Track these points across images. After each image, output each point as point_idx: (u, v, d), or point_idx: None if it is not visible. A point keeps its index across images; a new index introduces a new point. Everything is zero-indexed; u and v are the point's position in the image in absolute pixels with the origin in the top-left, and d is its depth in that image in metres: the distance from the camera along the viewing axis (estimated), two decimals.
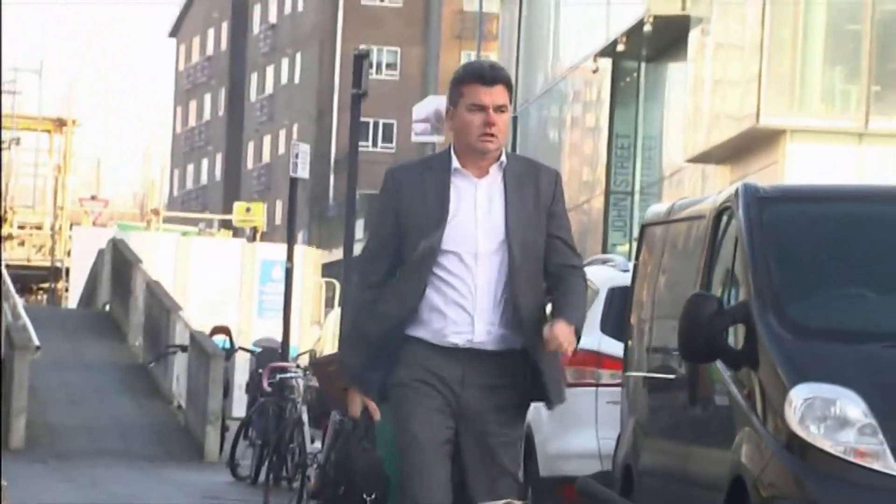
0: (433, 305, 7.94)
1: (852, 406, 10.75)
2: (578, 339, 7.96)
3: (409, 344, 7.96)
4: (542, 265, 8.03)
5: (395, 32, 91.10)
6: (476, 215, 7.93)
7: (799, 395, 10.87)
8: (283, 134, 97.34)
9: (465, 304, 7.91)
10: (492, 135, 7.90)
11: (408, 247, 7.96)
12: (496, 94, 7.91)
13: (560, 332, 7.78)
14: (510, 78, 8.07)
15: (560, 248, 8.01)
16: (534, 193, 7.98)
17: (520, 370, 7.96)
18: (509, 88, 8.08)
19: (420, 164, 8.23)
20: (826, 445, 10.74)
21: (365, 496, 7.56)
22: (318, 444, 18.37)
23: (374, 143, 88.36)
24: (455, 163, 7.97)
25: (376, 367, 8.03)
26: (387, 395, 8.08)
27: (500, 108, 7.92)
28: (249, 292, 52.58)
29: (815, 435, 10.81)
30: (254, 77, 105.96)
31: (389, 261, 8.05)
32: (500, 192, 7.95)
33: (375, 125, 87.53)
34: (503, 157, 7.99)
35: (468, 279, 7.91)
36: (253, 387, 27.10)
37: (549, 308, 8.18)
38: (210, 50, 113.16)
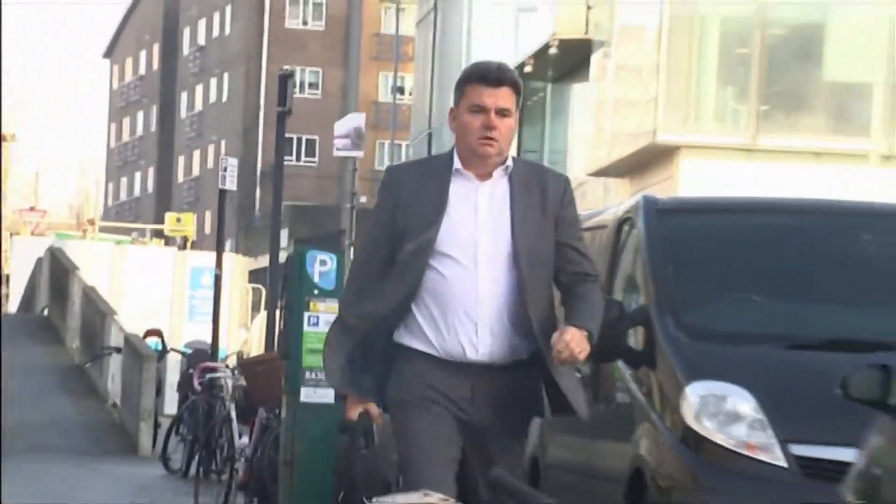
0: (432, 315, 6.90)
1: (743, 402, 10.80)
2: (592, 346, 7.21)
3: (410, 358, 6.95)
4: (552, 273, 7.10)
5: (316, 54, 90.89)
6: (477, 219, 6.92)
7: (694, 393, 10.92)
8: (211, 149, 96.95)
9: (468, 313, 6.86)
10: (491, 139, 6.95)
11: (401, 248, 6.99)
12: (500, 97, 6.93)
13: (571, 337, 6.92)
14: (518, 80, 7.06)
15: (572, 256, 7.07)
16: (541, 199, 6.96)
17: (528, 382, 6.99)
18: (517, 91, 7.03)
19: (421, 163, 7.44)
20: (719, 439, 10.78)
21: (365, 500, 6.46)
22: (245, 440, 18.34)
23: (298, 158, 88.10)
24: (457, 164, 7.01)
25: (368, 370, 7.06)
26: (384, 400, 7.13)
27: (503, 112, 6.94)
28: (180, 297, 52.37)
29: (708, 429, 10.85)
30: (184, 95, 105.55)
31: (382, 263, 7.06)
32: (506, 198, 6.95)
33: (299, 141, 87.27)
34: (509, 162, 7.02)
35: (469, 286, 6.87)
36: (184, 386, 27.02)
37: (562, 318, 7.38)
38: (142, 70, 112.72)
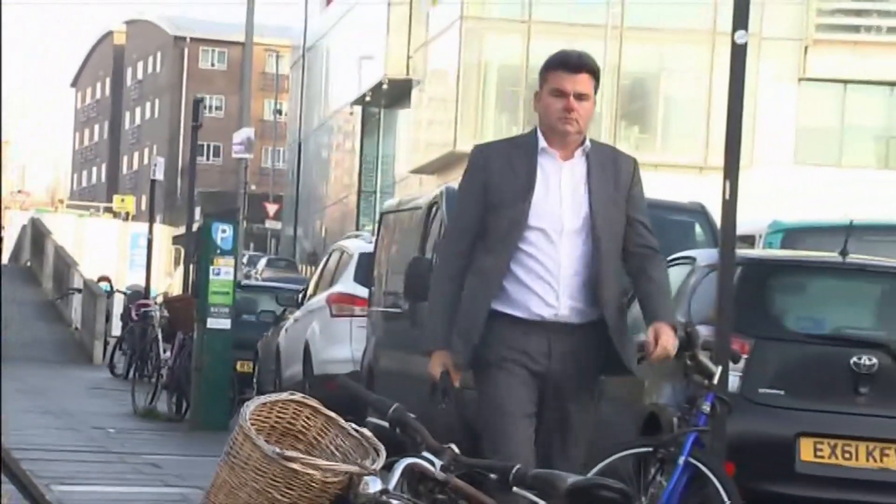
0: (518, 279, 5.47)
1: None
2: (675, 331, 5.64)
3: (493, 320, 5.47)
4: (622, 244, 5.61)
5: (221, 86, 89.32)
6: (561, 194, 5.49)
7: None
8: (146, 151, 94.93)
9: (549, 279, 5.45)
10: (571, 118, 5.47)
11: (493, 220, 5.50)
12: (579, 82, 5.43)
13: (667, 340, 5.45)
14: (597, 67, 5.54)
15: (640, 230, 5.60)
16: (614, 177, 5.55)
17: (598, 341, 5.57)
18: (595, 78, 5.52)
19: (507, 142, 5.74)
20: None
21: None
22: (168, 354, 17.75)
23: (207, 158, 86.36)
24: (542, 142, 5.50)
25: (463, 336, 5.55)
26: (471, 365, 5.62)
27: (581, 96, 5.44)
28: (123, 254, 51.54)
29: None
30: (127, 114, 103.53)
31: (475, 233, 5.56)
32: (584, 175, 5.52)
33: (208, 146, 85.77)
34: (587, 143, 5.54)
35: (553, 255, 5.47)
36: (125, 316, 26.35)
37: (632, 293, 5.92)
38: (98, 95, 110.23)
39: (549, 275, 5.39)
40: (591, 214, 5.41)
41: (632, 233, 5.54)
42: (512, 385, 5.37)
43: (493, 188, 5.42)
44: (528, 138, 5.49)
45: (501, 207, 5.39)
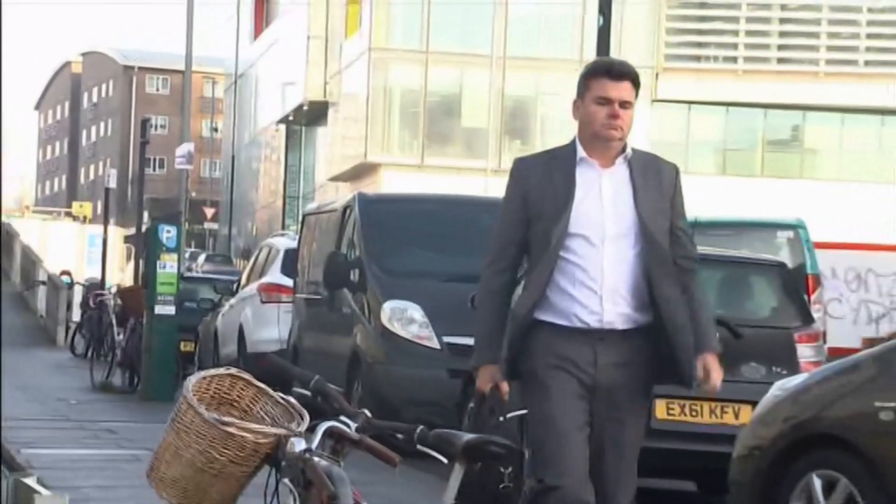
0: (561, 288, 4.55)
1: (416, 313, 10.63)
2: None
3: (538, 329, 4.56)
4: (668, 249, 4.64)
5: (165, 108, 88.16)
6: (602, 203, 4.57)
7: (388, 307, 10.74)
8: (101, 164, 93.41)
9: (592, 285, 4.54)
10: (616, 125, 4.58)
11: (535, 233, 4.61)
12: (622, 90, 4.57)
13: (717, 376, 4.56)
14: (637, 75, 4.67)
15: (682, 238, 4.66)
16: (657, 183, 4.62)
17: (647, 347, 4.58)
18: (636, 85, 4.63)
19: (546, 154, 4.78)
20: (402, 333, 10.63)
21: (501, 469, 4.35)
22: (121, 337, 17.49)
23: (154, 169, 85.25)
24: (581, 152, 4.62)
25: (502, 345, 4.66)
26: (516, 376, 4.65)
27: (625, 104, 4.57)
28: (81, 251, 50.63)
29: (396, 328, 10.68)
30: (84, 132, 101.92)
31: (519, 246, 4.65)
32: (628, 182, 4.60)
33: (154, 159, 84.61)
34: (628, 150, 4.65)
35: (596, 260, 4.55)
36: (84, 304, 25.98)
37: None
38: (58, 117, 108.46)
39: (593, 281, 4.49)
40: (639, 218, 4.50)
41: (674, 242, 4.62)
42: (563, 397, 4.45)
43: (532, 200, 4.56)
44: (567, 149, 4.64)
45: (542, 219, 4.53)
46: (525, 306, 4.50)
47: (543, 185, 4.54)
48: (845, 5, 43.37)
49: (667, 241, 4.54)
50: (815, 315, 9.99)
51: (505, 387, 4.50)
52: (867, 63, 43.35)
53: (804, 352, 8.66)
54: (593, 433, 4.44)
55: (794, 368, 8.35)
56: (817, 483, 6.41)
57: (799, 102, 42.92)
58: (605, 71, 4.55)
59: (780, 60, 43.75)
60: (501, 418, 4.38)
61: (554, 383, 4.42)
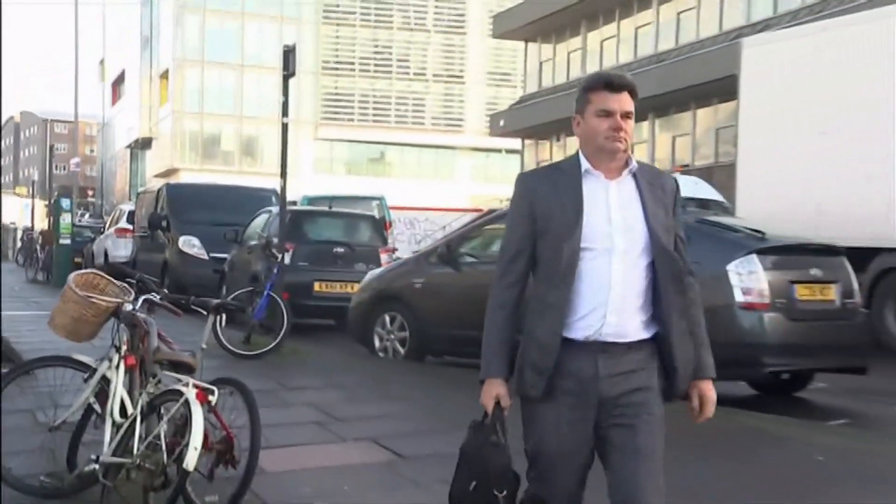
0: (568, 301, 3.73)
1: (196, 241, 12.70)
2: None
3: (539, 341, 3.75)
4: (675, 260, 3.79)
5: (65, 139, 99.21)
6: (609, 215, 3.75)
7: (182, 239, 12.75)
8: (32, 168, 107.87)
9: (597, 297, 3.70)
10: (620, 137, 3.78)
11: (544, 247, 3.80)
12: (623, 101, 3.78)
13: (710, 409, 3.87)
14: (635, 85, 3.83)
15: (680, 249, 3.86)
16: (662, 195, 3.82)
17: (652, 358, 3.77)
18: (634, 96, 3.83)
19: (550, 168, 3.90)
20: (188, 251, 12.67)
21: (496, 492, 3.64)
22: (42, 255, 21.75)
23: (59, 171, 74.72)
24: (585, 165, 3.81)
25: (535, 368, 3.78)
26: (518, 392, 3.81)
27: (626, 115, 3.79)
28: (22, 212, 47.62)
29: (186, 248, 12.73)
30: (22, 152, 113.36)
31: (527, 258, 3.83)
32: (635, 194, 3.79)
33: (59, 165, 77.78)
34: (633, 163, 3.84)
35: (603, 273, 3.72)
36: (23, 238, 32.06)
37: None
38: (8, 143, 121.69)
39: (598, 294, 3.75)
40: (648, 231, 3.79)
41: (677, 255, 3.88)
42: (558, 418, 3.79)
43: (540, 215, 3.84)
44: (572, 162, 3.91)
45: (552, 235, 3.80)
46: (552, 332, 3.77)
47: (550, 198, 3.87)
48: None
49: (675, 255, 3.88)
50: (389, 240, 14.30)
51: (506, 400, 3.86)
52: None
53: (382, 257, 12.73)
54: (605, 442, 3.80)
55: (378, 264, 12.31)
56: (387, 317, 9.73)
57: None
58: (605, 84, 3.90)
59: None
60: (501, 440, 3.79)
61: (549, 406, 3.81)
